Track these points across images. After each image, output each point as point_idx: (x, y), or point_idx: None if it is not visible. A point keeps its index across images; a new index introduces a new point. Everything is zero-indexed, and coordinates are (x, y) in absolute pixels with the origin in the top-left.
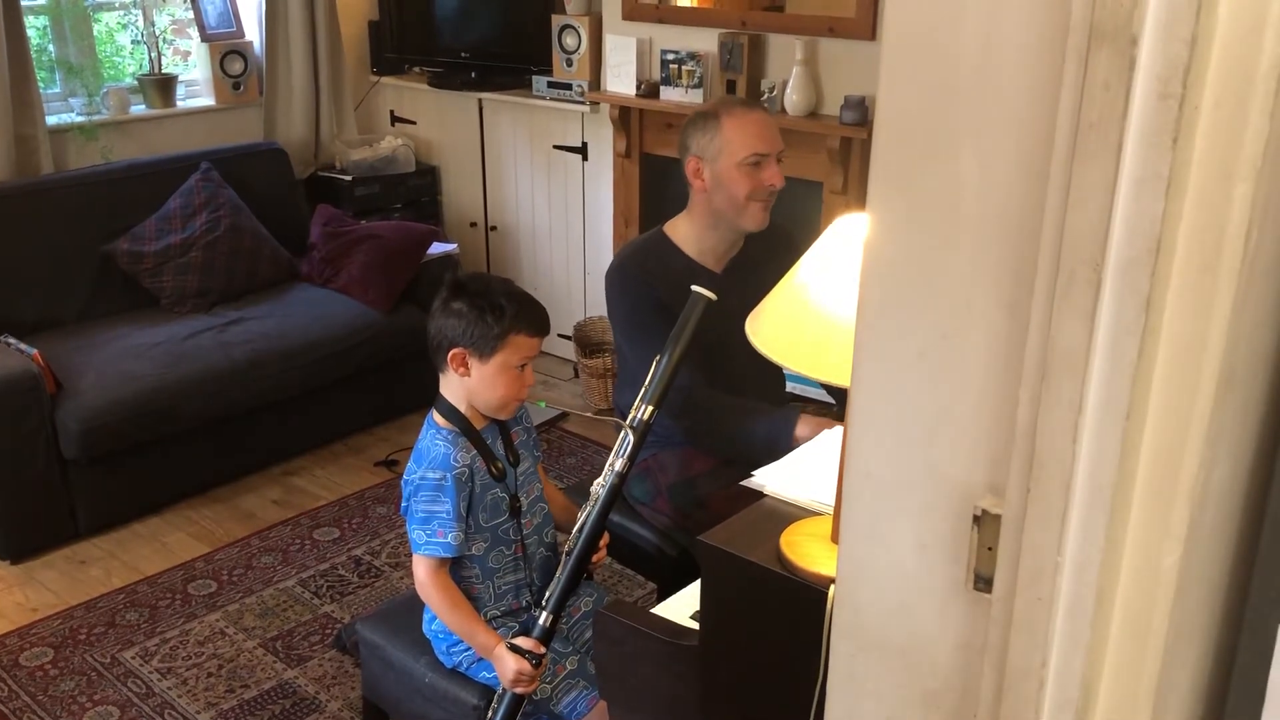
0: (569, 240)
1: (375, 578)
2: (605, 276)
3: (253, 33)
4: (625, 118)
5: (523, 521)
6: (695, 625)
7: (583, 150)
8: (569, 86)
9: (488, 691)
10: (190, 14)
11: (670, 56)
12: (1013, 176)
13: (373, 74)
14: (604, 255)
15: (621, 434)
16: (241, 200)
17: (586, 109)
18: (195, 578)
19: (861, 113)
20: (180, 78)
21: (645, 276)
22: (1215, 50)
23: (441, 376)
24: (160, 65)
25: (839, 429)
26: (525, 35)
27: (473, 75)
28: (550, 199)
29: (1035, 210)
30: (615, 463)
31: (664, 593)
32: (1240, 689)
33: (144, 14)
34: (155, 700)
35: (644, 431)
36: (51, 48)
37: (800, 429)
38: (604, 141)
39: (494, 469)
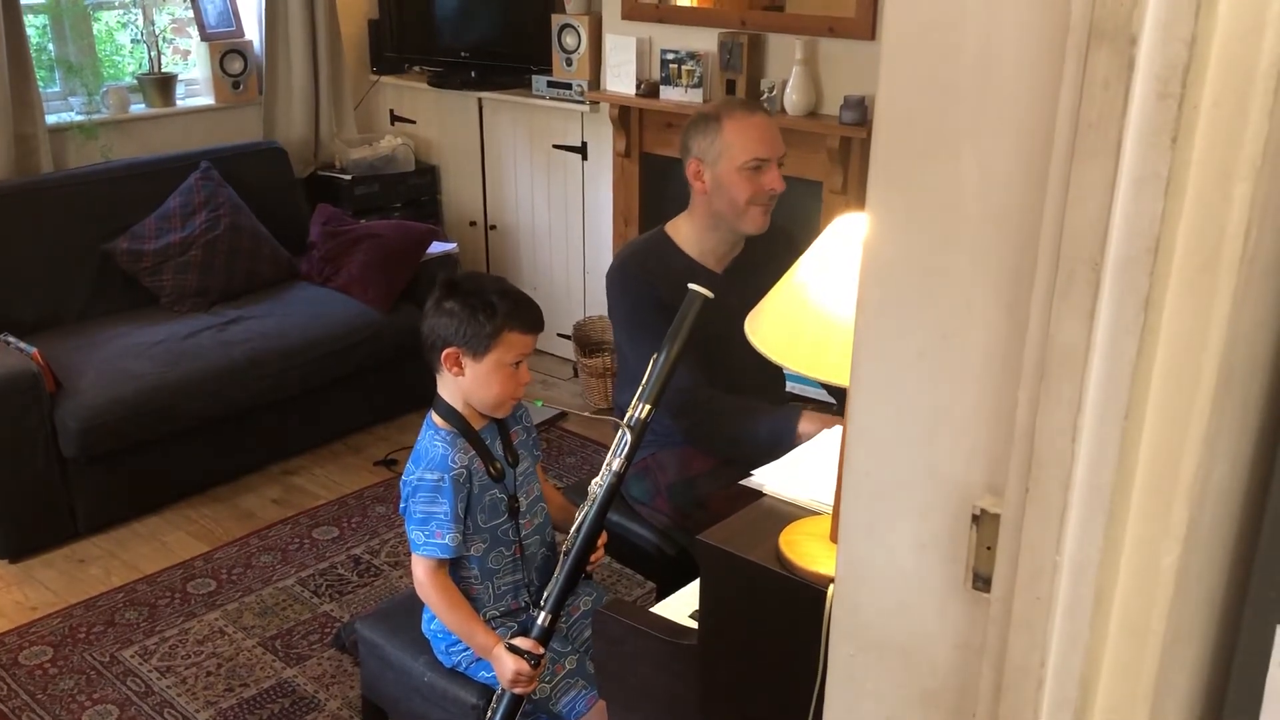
0: (568, 240)
1: (374, 577)
2: (606, 276)
3: (252, 32)
4: (625, 117)
5: (521, 522)
6: (694, 625)
7: (582, 150)
8: (569, 86)
9: (487, 691)
10: (190, 13)
11: (670, 56)
12: (1012, 176)
13: (372, 73)
14: (603, 255)
15: (619, 433)
16: (241, 199)
17: (586, 108)
18: (194, 576)
19: (861, 112)
20: (180, 77)
21: (646, 276)
22: (1214, 50)
23: (438, 377)
24: (160, 64)
25: (839, 428)
26: (525, 35)
27: (472, 75)
28: (550, 198)
29: (1034, 209)
30: (613, 462)
31: (663, 592)
32: (1239, 689)
33: (144, 13)
34: (154, 699)
35: (641, 431)
36: (51, 47)
37: (803, 426)
38: (604, 141)
39: (492, 470)
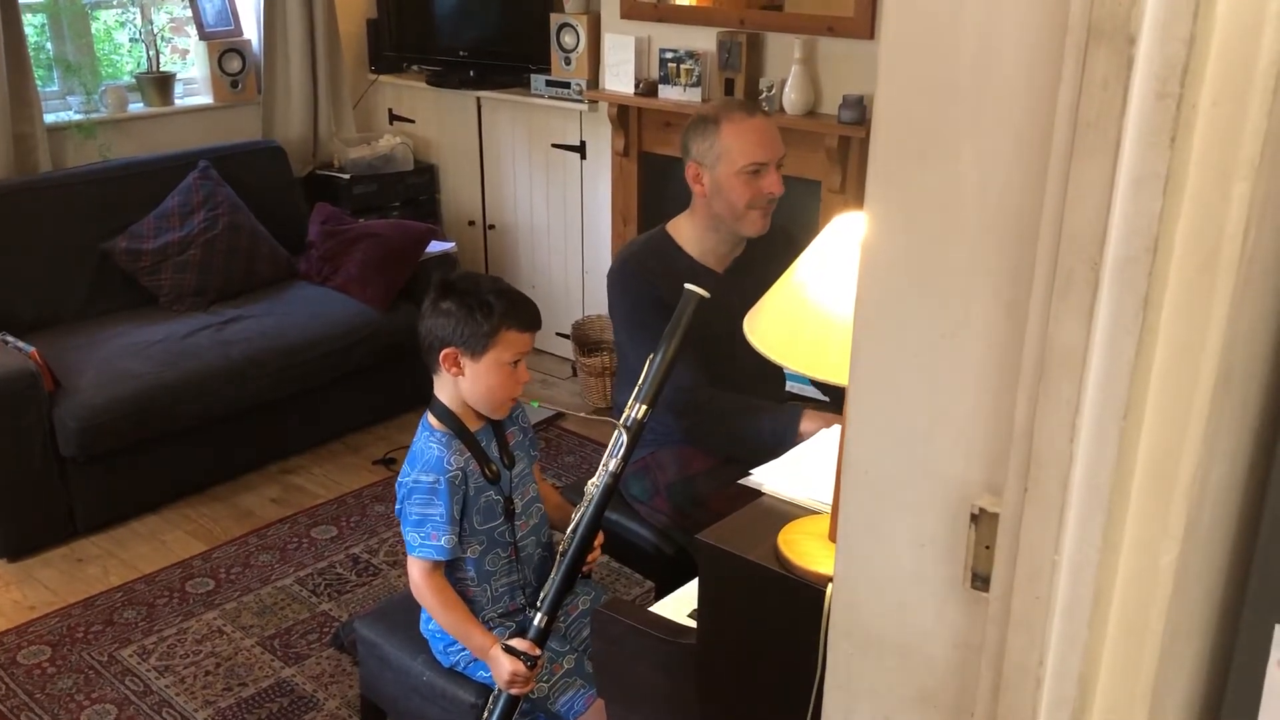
0: (567, 239)
1: (373, 576)
2: (607, 275)
3: (251, 31)
4: (623, 116)
5: (517, 524)
6: (693, 624)
7: (581, 149)
8: (567, 85)
9: (485, 690)
10: (188, 12)
11: (669, 55)
12: (1011, 175)
13: (371, 72)
14: (602, 254)
15: (616, 433)
16: (239, 198)
17: (585, 108)
18: (193, 576)
19: (860, 111)
20: (178, 76)
21: (647, 275)
22: (1213, 49)
23: (435, 378)
24: (158, 63)
25: (838, 427)
26: (524, 34)
27: (471, 74)
28: (548, 198)
29: (1033, 209)
30: (609, 462)
31: (662, 591)
32: (1237, 688)
33: (142, 12)
34: (153, 698)
35: (637, 431)
36: (49, 45)
37: (805, 425)
38: (602, 140)
39: (488, 472)
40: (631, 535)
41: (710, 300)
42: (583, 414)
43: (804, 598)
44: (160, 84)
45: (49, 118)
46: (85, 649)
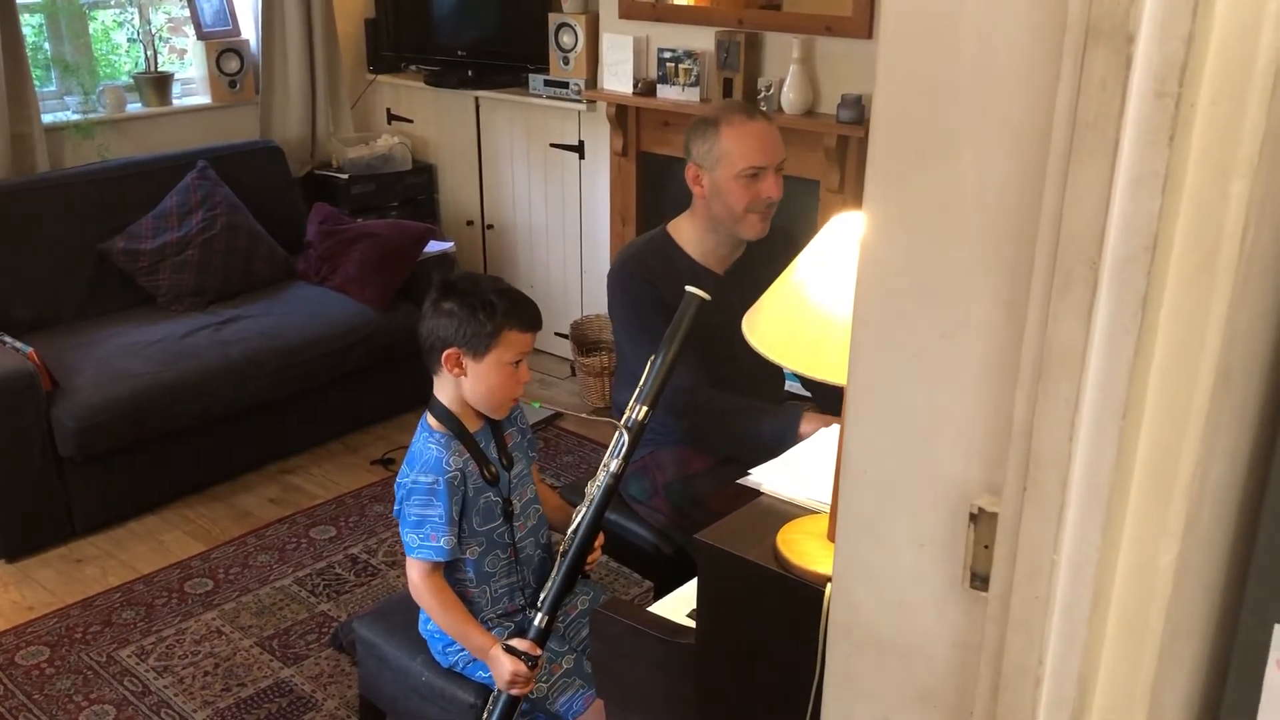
0: (566, 239)
1: (372, 576)
2: (607, 275)
3: (249, 31)
4: (622, 116)
5: (516, 525)
6: (692, 623)
7: (579, 149)
8: (566, 85)
9: (484, 690)
10: (186, 12)
11: (667, 55)
12: (1009, 175)
13: (369, 72)
14: (601, 254)
15: (616, 434)
16: (238, 198)
17: (583, 107)
18: (192, 576)
19: (858, 111)
20: (176, 76)
21: (647, 276)
22: (1212, 48)
23: (435, 379)
24: (156, 63)
25: (837, 426)
26: (522, 34)
27: (469, 73)
28: (547, 197)
29: (1032, 208)
30: (610, 463)
31: (660, 591)
32: (1237, 687)
33: (140, 12)
34: (152, 699)
35: (638, 432)
36: (47, 46)
37: (805, 426)
38: (601, 140)
39: (487, 473)
40: (630, 535)
41: (710, 301)
42: (582, 414)
43: (803, 597)
44: (158, 84)
45: (47, 118)
46: (84, 649)
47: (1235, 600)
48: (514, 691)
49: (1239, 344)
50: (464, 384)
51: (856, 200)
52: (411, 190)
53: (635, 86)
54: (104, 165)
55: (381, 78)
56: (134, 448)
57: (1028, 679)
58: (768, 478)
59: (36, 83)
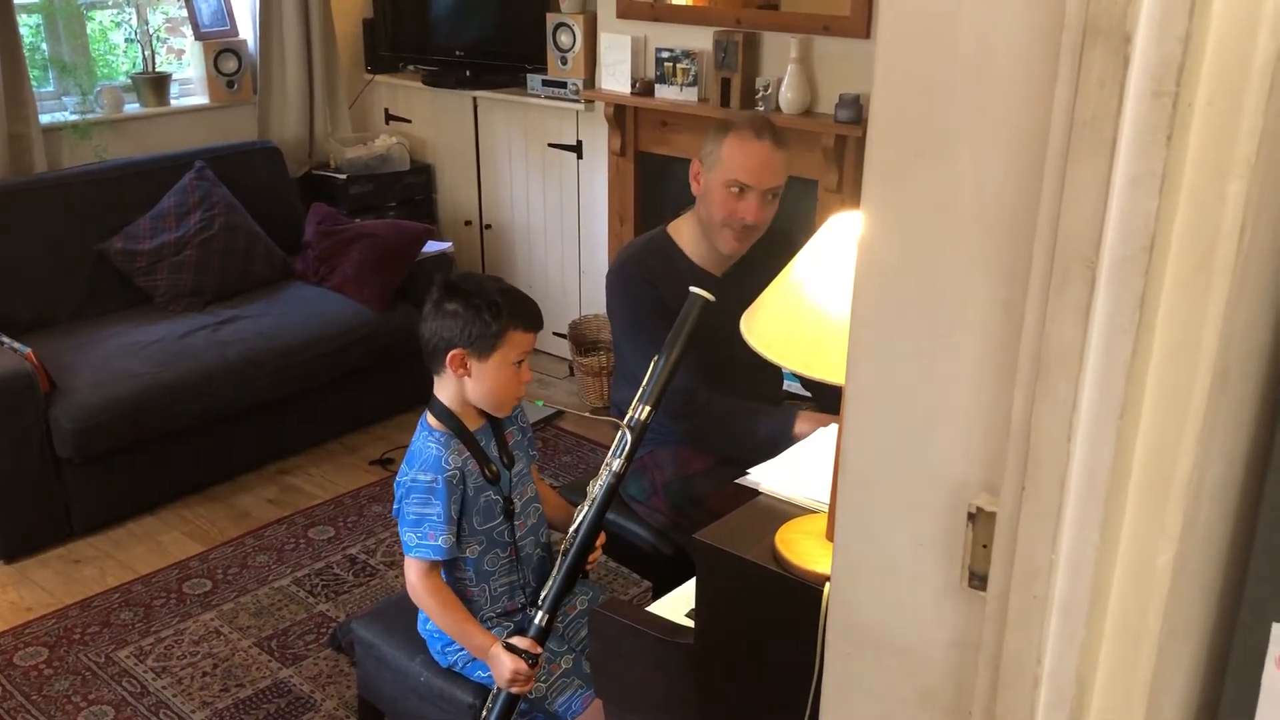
0: (564, 239)
1: (370, 576)
2: (607, 275)
3: (247, 31)
4: (620, 116)
5: (516, 524)
6: (691, 623)
7: (577, 148)
8: (564, 85)
9: (483, 690)
10: (184, 12)
11: (665, 55)
12: (1007, 174)
13: (367, 72)
14: (599, 253)
15: (619, 434)
16: (236, 199)
17: (581, 107)
18: (190, 577)
19: (856, 111)
20: (174, 76)
21: (647, 276)
22: (1209, 47)
23: (436, 379)
24: (154, 64)
25: (835, 426)
26: (520, 33)
27: (467, 73)
28: (545, 197)
29: (1030, 208)
30: (613, 463)
31: (659, 591)
32: (1235, 686)
33: (138, 12)
34: (150, 700)
35: (641, 431)
36: (45, 46)
37: (800, 427)
38: (599, 140)
39: (488, 472)
40: (629, 535)
41: (710, 303)
42: (583, 414)
43: (801, 597)
44: (156, 84)
45: (44, 118)
46: (82, 650)
47: (1233, 600)
48: (514, 690)
49: (1236, 344)
50: (467, 384)
51: (854, 200)
52: (409, 190)
53: (633, 86)
54: (102, 165)
55: (379, 78)
56: (132, 448)
57: (1026, 678)
58: (766, 477)
59: (34, 83)
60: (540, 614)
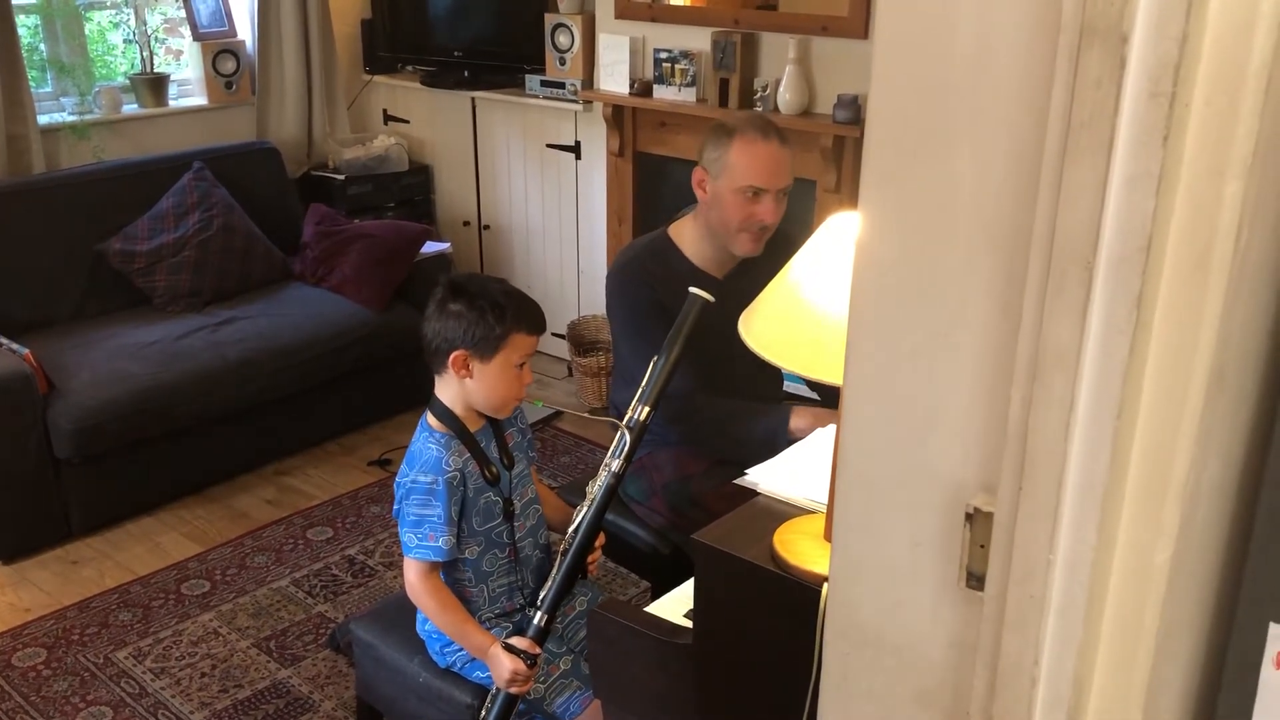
0: (562, 239)
1: (369, 577)
2: (606, 276)
3: (245, 32)
4: (618, 116)
5: (516, 525)
6: (689, 624)
7: (576, 149)
8: (562, 85)
9: (481, 691)
10: (182, 13)
11: (663, 55)
12: (1004, 175)
13: (365, 73)
14: (598, 254)
15: (618, 435)
16: (234, 199)
17: (580, 108)
18: (188, 578)
19: (854, 111)
20: (172, 77)
21: (646, 278)
22: (1206, 48)
23: (437, 379)
24: (152, 64)
25: (833, 426)
26: (518, 34)
27: (466, 74)
28: (544, 198)
29: (1027, 208)
30: (612, 463)
31: (658, 591)
32: (1232, 686)
33: (136, 13)
34: (149, 700)
35: (640, 432)
36: (43, 47)
37: (794, 422)
38: (597, 140)
39: (488, 473)
40: (628, 535)
41: (709, 305)
42: (582, 414)
43: (800, 597)
44: (154, 85)
45: (43, 119)
46: (80, 651)
47: (1230, 599)
48: (513, 690)
49: (1233, 344)
50: (469, 385)
51: (852, 200)
52: (408, 191)
53: (631, 87)
54: (100, 166)
55: (378, 78)
56: (131, 449)
57: (1023, 678)
58: (765, 478)
59: (32, 84)
60: (539, 614)
